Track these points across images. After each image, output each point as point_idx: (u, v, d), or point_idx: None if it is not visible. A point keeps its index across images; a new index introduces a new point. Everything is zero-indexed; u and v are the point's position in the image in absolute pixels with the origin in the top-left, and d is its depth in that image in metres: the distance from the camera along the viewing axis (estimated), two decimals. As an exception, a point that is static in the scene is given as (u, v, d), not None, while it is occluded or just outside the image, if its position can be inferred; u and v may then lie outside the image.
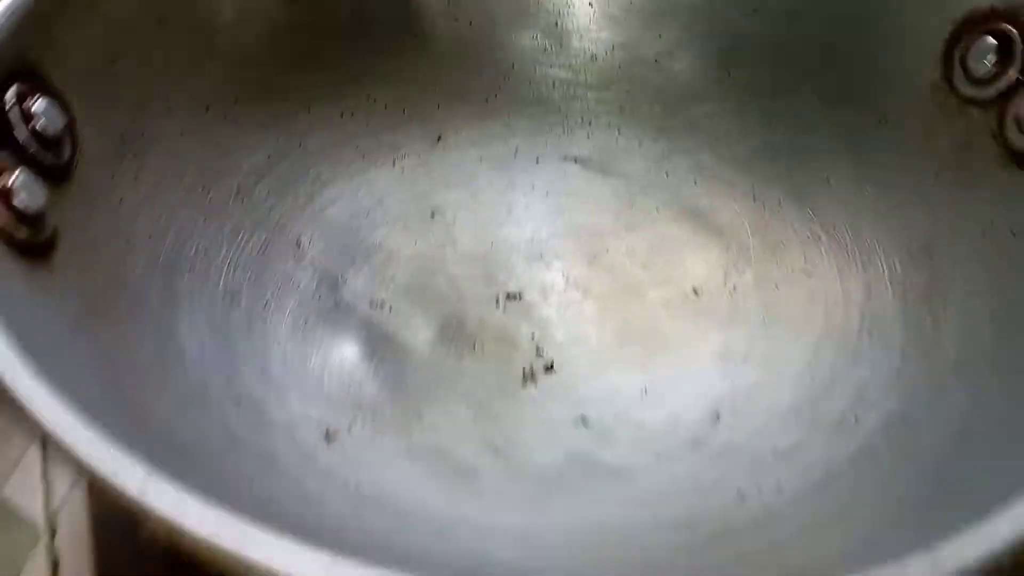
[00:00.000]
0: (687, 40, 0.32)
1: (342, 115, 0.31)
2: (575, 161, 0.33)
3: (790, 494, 0.21)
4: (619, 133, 0.33)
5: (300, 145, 0.29)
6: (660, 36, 0.33)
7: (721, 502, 0.21)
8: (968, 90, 0.26)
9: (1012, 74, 0.26)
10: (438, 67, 0.32)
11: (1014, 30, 0.25)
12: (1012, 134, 0.25)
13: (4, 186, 0.18)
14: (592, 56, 0.33)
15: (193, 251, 0.25)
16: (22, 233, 0.19)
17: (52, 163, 0.21)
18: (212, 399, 0.21)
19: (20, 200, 0.19)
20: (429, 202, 0.31)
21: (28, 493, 0.35)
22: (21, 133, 0.20)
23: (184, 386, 0.21)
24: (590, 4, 0.33)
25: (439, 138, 0.32)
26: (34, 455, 0.36)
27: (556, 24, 0.33)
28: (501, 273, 0.30)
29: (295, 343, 0.25)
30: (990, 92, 0.26)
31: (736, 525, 0.21)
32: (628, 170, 0.33)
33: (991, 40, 0.26)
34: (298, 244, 0.28)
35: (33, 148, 0.20)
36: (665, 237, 0.31)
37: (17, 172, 0.19)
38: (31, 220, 0.19)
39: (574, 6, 0.33)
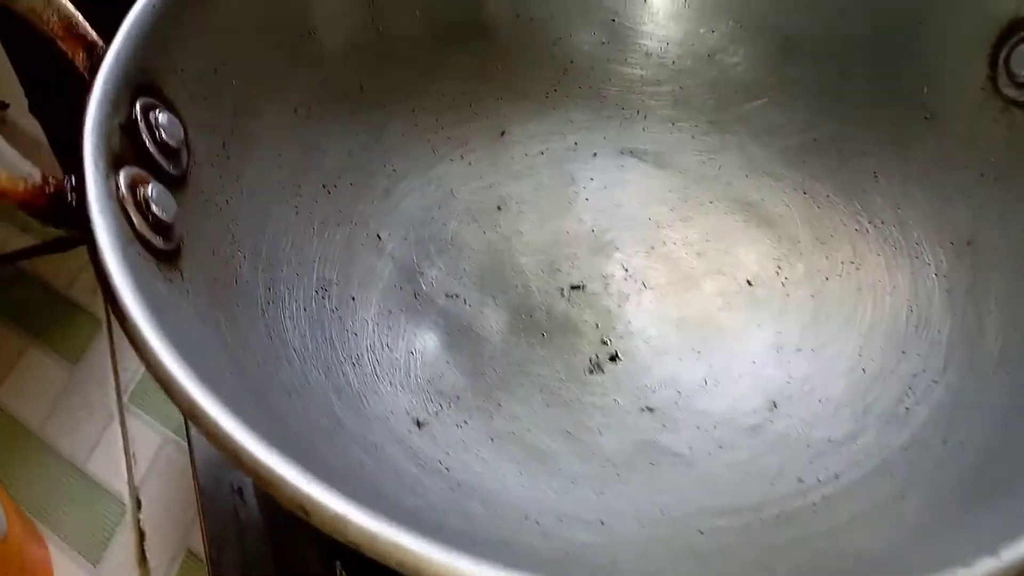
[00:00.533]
0: (739, 36, 0.34)
1: (414, 110, 0.32)
2: (631, 154, 0.34)
3: (846, 482, 0.23)
4: (673, 126, 0.35)
5: (377, 140, 0.31)
6: (713, 31, 0.34)
7: (782, 488, 0.24)
8: (1012, 92, 0.28)
9: (1056, 80, 0.27)
10: (501, 63, 0.34)
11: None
12: (1054, 138, 0.26)
13: (144, 197, 0.20)
14: (647, 52, 0.35)
15: (289, 246, 0.27)
16: (159, 242, 0.20)
17: (174, 173, 0.22)
18: (315, 389, 0.23)
19: (156, 211, 0.20)
20: (496, 194, 0.33)
21: (112, 467, 0.37)
22: (151, 146, 0.21)
23: (290, 376, 0.23)
24: (646, 1, 0.34)
25: (503, 133, 0.34)
26: (115, 430, 0.38)
27: (613, 20, 0.35)
28: (564, 264, 0.31)
29: (381, 334, 0.27)
30: (1033, 95, 0.27)
31: (796, 510, 0.23)
32: (682, 163, 0.34)
33: (1036, 46, 0.27)
34: (378, 237, 0.30)
35: (160, 159, 0.22)
36: (718, 229, 0.32)
37: (151, 184, 0.21)
38: (165, 229, 0.21)
39: (631, 3, 0.34)
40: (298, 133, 0.28)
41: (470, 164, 0.33)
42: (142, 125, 0.21)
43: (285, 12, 0.27)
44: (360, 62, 0.30)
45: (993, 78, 0.28)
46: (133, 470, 0.37)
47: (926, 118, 0.30)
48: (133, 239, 0.19)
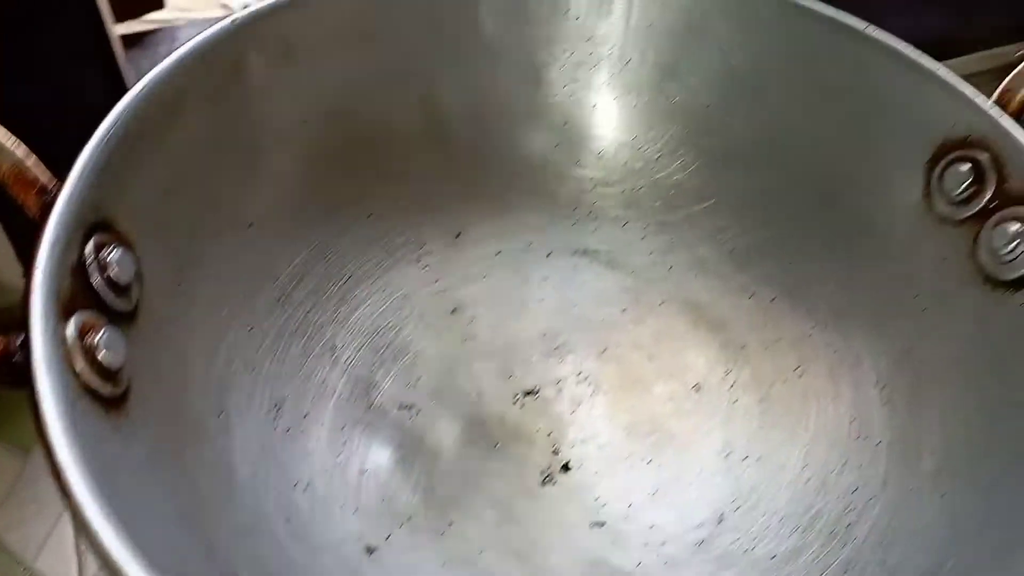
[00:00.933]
0: (686, 141, 0.35)
1: (370, 216, 0.33)
2: (584, 254, 0.35)
3: (789, 604, 0.24)
4: (624, 227, 0.36)
5: (333, 248, 0.32)
6: (662, 135, 0.35)
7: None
8: (945, 209, 0.29)
9: (983, 199, 0.28)
10: (457, 165, 0.34)
11: (987, 158, 0.28)
12: (982, 255, 0.28)
13: (92, 344, 0.20)
14: (599, 154, 0.36)
15: (241, 367, 0.27)
16: (107, 389, 0.21)
17: (125, 309, 0.23)
18: (266, 523, 0.23)
19: (104, 357, 0.20)
20: (451, 297, 0.33)
21: (62, 565, 0.36)
22: (102, 287, 0.22)
23: (241, 513, 0.23)
24: (596, 105, 0.35)
25: (459, 234, 0.34)
26: (66, 526, 0.38)
27: (566, 123, 0.36)
28: (518, 369, 0.32)
29: (334, 452, 0.27)
30: (964, 213, 0.28)
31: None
32: (633, 263, 0.35)
33: (966, 165, 0.28)
34: (333, 348, 0.30)
35: (111, 299, 0.22)
36: (669, 331, 0.33)
37: (102, 330, 0.21)
38: (114, 375, 0.21)
39: (582, 107, 0.35)
40: (253, 248, 0.29)
41: (426, 267, 0.33)
42: (93, 266, 0.22)
43: (238, 132, 0.28)
44: (317, 172, 0.31)
45: (928, 195, 0.29)
46: (84, 570, 0.37)
47: (866, 228, 0.31)
48: (80, 395, 0.19)
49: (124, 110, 0.23)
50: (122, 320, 0.22)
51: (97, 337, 0.21)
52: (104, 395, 0.20)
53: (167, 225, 0.25)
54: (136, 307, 0.23)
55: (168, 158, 0.25)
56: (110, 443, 0.20)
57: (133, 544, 0.16)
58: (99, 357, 0.20)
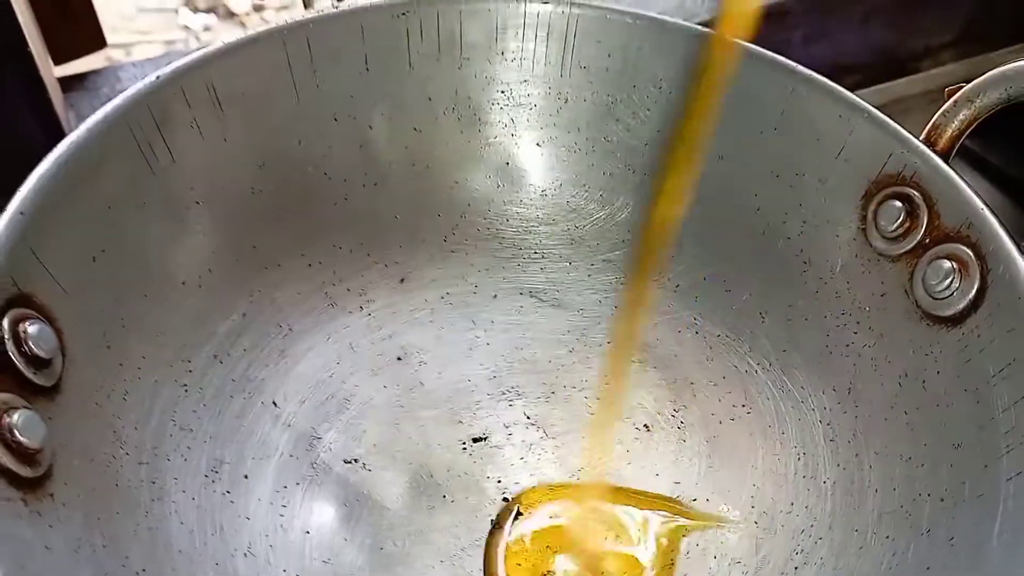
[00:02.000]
0: (629, 178, 0.35)
1: (310, 265, 0.32)
2: (531, 295, 0.35)
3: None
4: (570, 265, 0.35)
5: (272, 301, 0.31)
6: (603, 174, 0.35)
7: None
8: (881, 245, 0.29)
9: (917, 236, 0.28)
10: (398, 210, 0.34)
11: (919, 196, 0.28)
12: (919, 292, 0.28)
13: (9, 425, 0.20)
14: (542, 192, 0.36)
15: (176, 430, 0.26)
16: (26, 471, 0.20)
17: (46, 385, 0.22)
18: (205, 596, 0.23)
19: (23, 440, 0.20)
20: (396, 344, 0.33)
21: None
22: (20, 363, 0.21)
23: (178, 587, 0.23)
24: (537, 144, 0.35)
25: (403, 279, 0.34)
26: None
27: (507, 164, 0.35)
28: (466, 415, 0.32)
29: (276, 514, 0.27)
30: (900, 249, 0.29)
31: None
32: (580, 302, 0.35)
33: (899, 203, 0.29)
34: (274, 403, 0.30)
35: (30, 376, 0.21)
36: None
37: (19, 413, 0.20)
38: (32, 456, 0.20)
39: (522, 147, 0.35)
40: (186, 306, 0.28)
41: (370, 315, 0.33)
42: (11, 343, 0.21)
43: (166, 188, 0.27)
44: (251, 224, 0.30)
45: (864, 230, 0.30)
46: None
47: (804, 264, 0.31)
48: (-5, 482, 0.18)
49: (40, 178, 0.23)
50: (44, 396, 0.22)
51: (14, 419, 0.20)
52: (22, 478, 0.20)
53: (91, 292, 0.25)
54: (59, 380, 0.23)
55: (90, 221, 0.25)
56: (28, 529, 0.19)
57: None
58: (16, 439, 0.20)
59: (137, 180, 0.27)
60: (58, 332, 0.23)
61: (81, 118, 0.25)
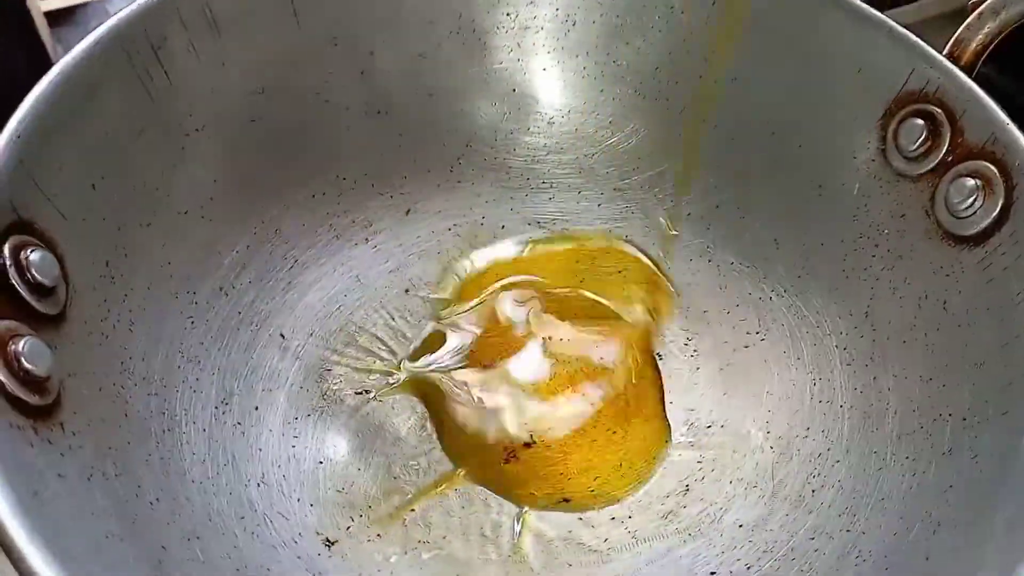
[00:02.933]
0: (638, 104, 0.34)
1: (313, 196, 0.32)
2: (539, 225, 0.34)
3: (757, 573, 0.24)
4: (579, 195, 0.35)
5: (276, 232, 0.30)
6: (612, 99, 0.34)
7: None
8: (901, 165, 0.29)
9: (939, 154, 0.28)
10: (403, 140, 0.33)
11: (941, 112, 0.27)
12: (940, 211, 0.27)
13: (15, 352, 0.19)
14: (550, 120, 0.35)
15: (184, 362, 0.26)
16: (34, 399, 0.19)
17: (51, 313, 0.21)
18: (219, 524, 0.23)
19: (30, 367, 0.19)
20: (403, 277, 0.32)
21: None
22: (24, 290, 0.20)
23: (192, 516, 0.22)
24: (544, 69, 0.34)
25: (408, 211, 0.33)
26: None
27: (514, 91, 0.34)
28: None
29: (288, 445, 0.26)
30: (921, 168, 0.28)
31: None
32: (589, 232, 0.34)
33: (920, 120, 0.28)
34: (282, 336, 0.29)
35: (34, 303, 0.21)
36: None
37: (24, 339, 0.19)
38: (40, 384, 0.20)
39: (529, 73, 0.34)
40: (189, 237, 0.27)
41: (376, 247, 0.32)
42: (12, 270, 0.20)
43: (164, 115, 0.26)
44: (252, 154, 0.29)
45: (883, 151, 0.29)
46: None
47: (821, 187, 0.31)
48: (6, 408, 0.18)
49: (36, 101, 0.22)
50: (48, 324, 0.21)
51: (20, 346, 0.19)
52: (31, 406, 0.19)
53: (92, 220, 0.24)
54: (64, 309, 0.22)
55: (88, 148, 0.24)
56: (39, 458, 0.19)
57: (64, 569, 0.15)
58: (23, 367, 0.19)
59: (134, 106, 0.26)
60: (60, 259, 0.22)
61: (70, 53, 0.24)
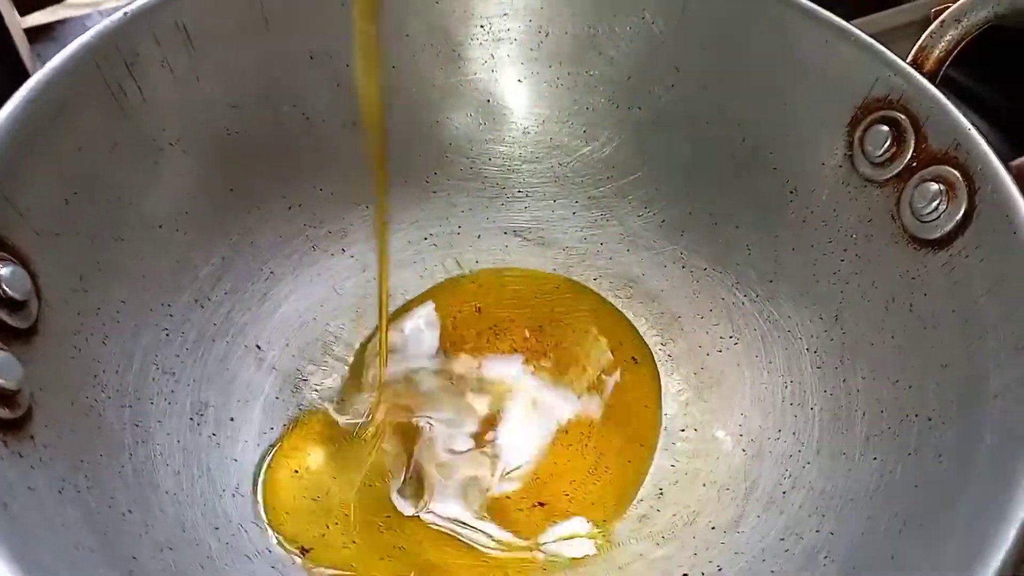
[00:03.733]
0: (611, 113, 0.34)
1: (289, 208, 0.32)
2: (515, 234, 0.35)
3: (728, 575, 0.24)
4: (555, 203, 0.35)
5: (252, 244, 0.31)
6: (587, 109, 0.35)
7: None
8: (867, 171, 0.29)
9: (904, 159, 0.28)
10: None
11: (906, 119, 0.28)
12: (906, 216, 0.28)
13: (-16, 368, 0.19)
14: (525, 130, 0.35)
15: (159, 374, 0.26)
16: (5, 413, 0.20)
17: (22, 327, 0.21)
18: (193, 535, 0.23)
19: (1, 382, 0.19)
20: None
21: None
22: (-5, 307, 0.20)
23: (165, 527, 0.22)
24: (519, 80, 0.35)
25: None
26: None
27: (488, 101, 0.35)
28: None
29: (262, 455, 0.27)
30: (887, 174, 0.28)
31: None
32: (565, 240, 0.35)
33: (886, 127, 0.28)
34: (258, 347, 0.29)
35: (4, 317, 0.21)
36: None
37: (-4, 353, 0.20)
38: (11, 398, 0.20)
39: (504, 84, 0.35)
40: (164, 250, 0.28)
41: (352, 257, 0.33)
42: (-17, 286, 0.20)
43: (138, 130, 0.26)
44: (228, 166, 0.30)
45: (851, 157, 0.29)
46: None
47: (791, 193, 0.31)
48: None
49: (7, 117, 0.22)
50: (19, 338, 0.21)
51: (-10, 361, 0.19)
52: (1, 419, 0.19)
53: (65, 234, 0.24)
54: (36, 323, 0.22)
55: (61, 163, 0.24)
56: (9, 470, 0.19)
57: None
58: (-7, 381, 0.19)
59: (108, 121, 0.26)
60: (32, 275, 0.22)
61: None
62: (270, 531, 0.24)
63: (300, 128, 0.32)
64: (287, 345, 0.30)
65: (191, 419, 0.26)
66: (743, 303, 0.31)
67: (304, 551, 0.25)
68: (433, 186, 0.34)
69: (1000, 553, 0.17)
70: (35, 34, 0.45)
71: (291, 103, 0.31)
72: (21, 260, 0.22)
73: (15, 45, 0.39)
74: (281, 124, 0.31)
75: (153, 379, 0.26)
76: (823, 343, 0.29)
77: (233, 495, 0.25)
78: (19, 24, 0.43)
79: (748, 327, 0.31)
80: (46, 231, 0.23)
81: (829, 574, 0.22)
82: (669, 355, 0.31)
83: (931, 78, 0.28)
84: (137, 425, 0.24)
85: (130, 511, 0.22)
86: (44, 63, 0.43)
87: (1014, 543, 0.17)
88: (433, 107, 0.34)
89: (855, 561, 0.22)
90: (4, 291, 0.21)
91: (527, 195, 0.35)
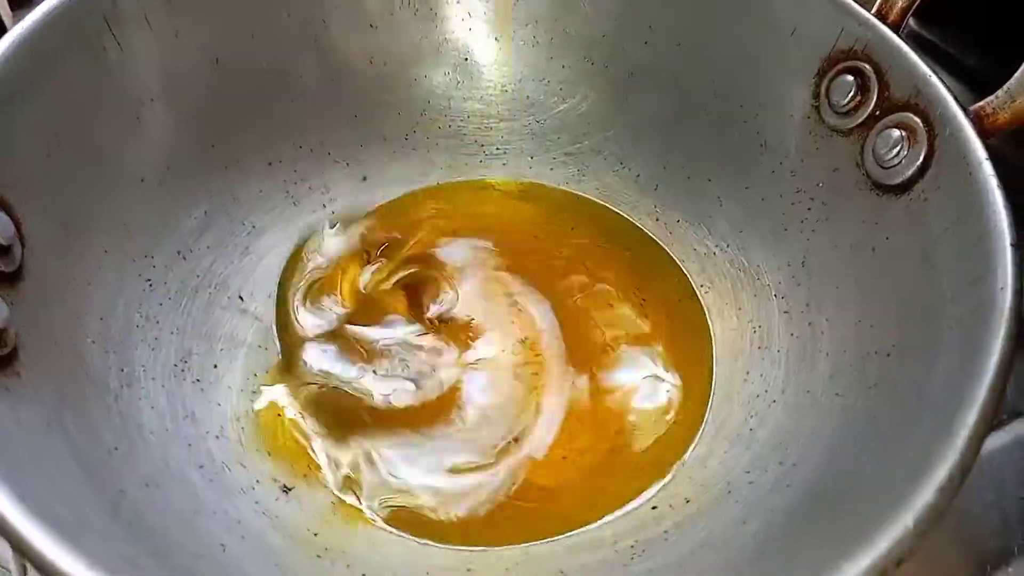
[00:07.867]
0: (588, 70, 0.35)
1: (270, 164, 0.32)
2: (494, 188, 0.35)
3: (695, 508, 0.25)
4: (532, 159, 0.36)
5: (234, 198, 0.31)
6: (563, 67, 0.35)
7: (637, 516, 0.25)
8: (833, 120, 0.30)
9: (868, 108, 0.29)
10: (356, 108, 0.34)
11: (870, 68, 0.29)
12: (869, 163, 0.28)
13: (-32, 306, 0.20)
14: (502, 88, 0.36)
15: (143, 321, 0.27)
16: (-11, 351, 0.20)
17: (7, 270, 0.22)
18: (178, 472, 0.23)
19: (-16, 318, 0.20)
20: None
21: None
22: (-25, 250, 0.21)
23: (151, 464, 0.23)
24: (496, 39, 0.35)
25: (364, 178, 0.34)
26: None
27: (466, 59, 0.35)
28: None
29: (247, 399, 0.27)
30: (852, 123, 0.29)
31: (649, 540, 0.24)
32: (542, 193, 0.35)
33: (851, 77, 0.29)
34: (240, 298, 0.30)
35: (-13, 261, 0.21)
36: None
37: (-22, 293, 0.20)
38: (-3, 336, 0.21)
39: (481, 42, 0.35)
40: (147, 202, 0.28)
41: (332, 213, 0.33)
42: (-35, 230, 0.21)
43: (119, 84, 0.27)
44: (209, 122, 0.30)
45: (817, 108, 0.30)
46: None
47: (761, 146, 0.32)
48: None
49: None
50: (4, 280, 0.22)
51: (-26, 301, 0.20)
52: (-14, 356, 0.20)
53: (49, 184, 0.25)
54: (20, 267, 0.23)
55: (45, 116, 0.25)
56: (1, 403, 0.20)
57: (25, 506, 0.16)
58: (-22, 318, 0.20)
59: (88, 75, 0.26)
60: (15, 221, 0.23)
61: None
62: (253, 470, 0.25)
63: (279, 85, 0.32)
64: (269, 297, 0.30)
65: (175, 365, 0.27)
66: (715, 252, 0.32)
67: (286, 489, 0.25)
68: (412, 143, 0.35)
69: (947, 464, 0.18)
70: (17, 2, 0.45)
71: (270, 60, 0.32)
72: (5, 208, 0.23)
73: (-3, 10, 0.39)
74: (261, 81, 0.32)
75: (137, 326, 0.26)
76: (790, 289, 0.30)
77: (217, 437, 0.26)
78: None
79: (719, 275, 0.32)
80: (28, 182, 0.24)
81: (791, 498, 0.23)
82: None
83: (895, 28, 0.28)
84: (122, 370, 0.25)
85: (116, 448, 0.23)
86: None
87: (961, 455, 0.18)
88: (411, 65, 0.34)
89: (816, 487, 0.23)
90: (-13, 236, 0.21)
91: (505, 152, 0.35)
